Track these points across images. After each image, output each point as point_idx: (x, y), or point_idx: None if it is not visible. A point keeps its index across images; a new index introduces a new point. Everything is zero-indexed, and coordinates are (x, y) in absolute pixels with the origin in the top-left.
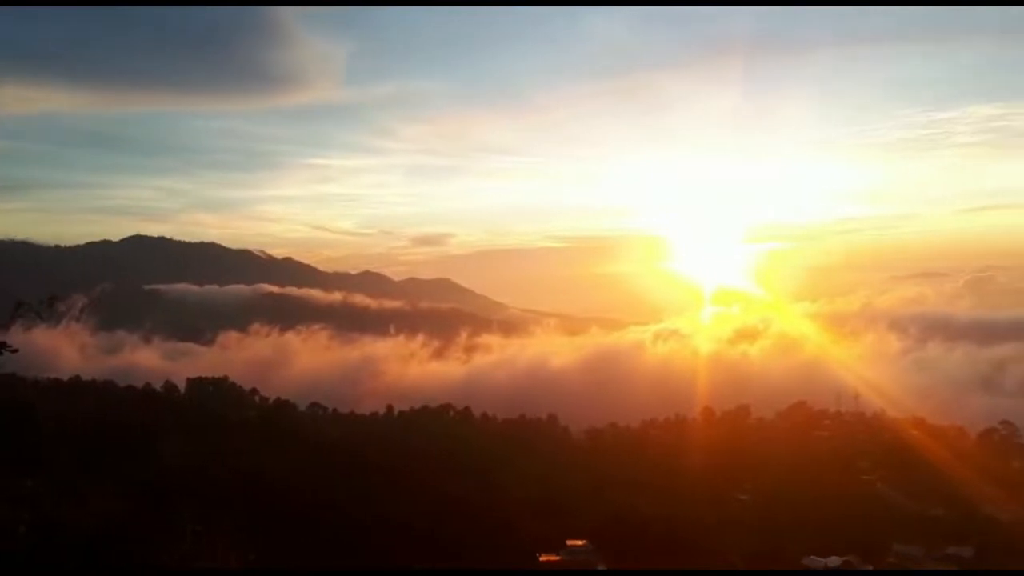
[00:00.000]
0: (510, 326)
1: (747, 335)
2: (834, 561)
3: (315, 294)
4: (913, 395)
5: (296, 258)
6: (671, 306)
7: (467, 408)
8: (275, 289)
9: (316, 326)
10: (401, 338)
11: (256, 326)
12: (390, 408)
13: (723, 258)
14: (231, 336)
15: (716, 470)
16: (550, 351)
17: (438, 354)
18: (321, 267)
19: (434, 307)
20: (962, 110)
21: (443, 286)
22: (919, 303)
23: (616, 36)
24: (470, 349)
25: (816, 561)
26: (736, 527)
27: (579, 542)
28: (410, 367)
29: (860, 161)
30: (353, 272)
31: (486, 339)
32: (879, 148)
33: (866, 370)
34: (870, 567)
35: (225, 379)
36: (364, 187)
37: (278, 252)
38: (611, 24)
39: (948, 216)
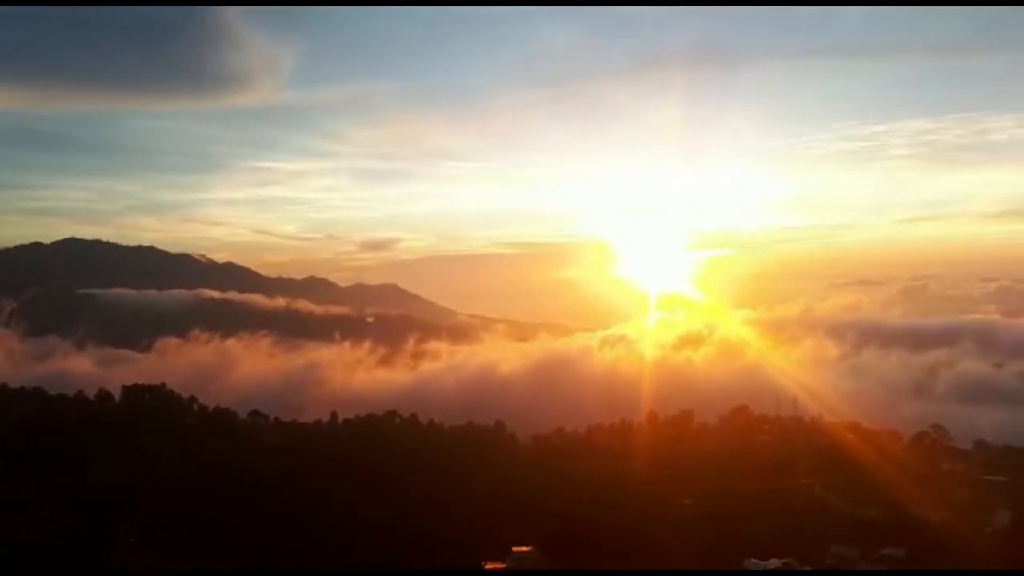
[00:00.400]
0: (458, 332)
1: (691, 341)
2: (774, 563)
3: (258, 299)
4: (849, 400)
5: (238, 263)
6: (618, 312)
7: (414, 415)
8: (216, 294)
9: (258, 332)
10: (347, 345)
11: (196, 332)
12: (334, 416)
13: (668, 265)
14: (169, 342)
15: (661, 474)
16: (499, 357)
17: (385, 361)
18: (264, 272)
19: (381, 313)
20: (896, 124)
21: (390, 292)
22: (855, 310)
23: (565, 45)
24: (418, 356)
25: (756, 563)
26: (680, 530)
27: (525, 548)
28: (356, 374)
29: (800, 172)
30: (298, 277)
31: (434, 345)
32: (818, 159)
33: (805, 375)
34: (808, 568)
35: (162, 386)
36: (310, 191)
37: (219, 256)
38: (561, 33)
39: (883, 226)
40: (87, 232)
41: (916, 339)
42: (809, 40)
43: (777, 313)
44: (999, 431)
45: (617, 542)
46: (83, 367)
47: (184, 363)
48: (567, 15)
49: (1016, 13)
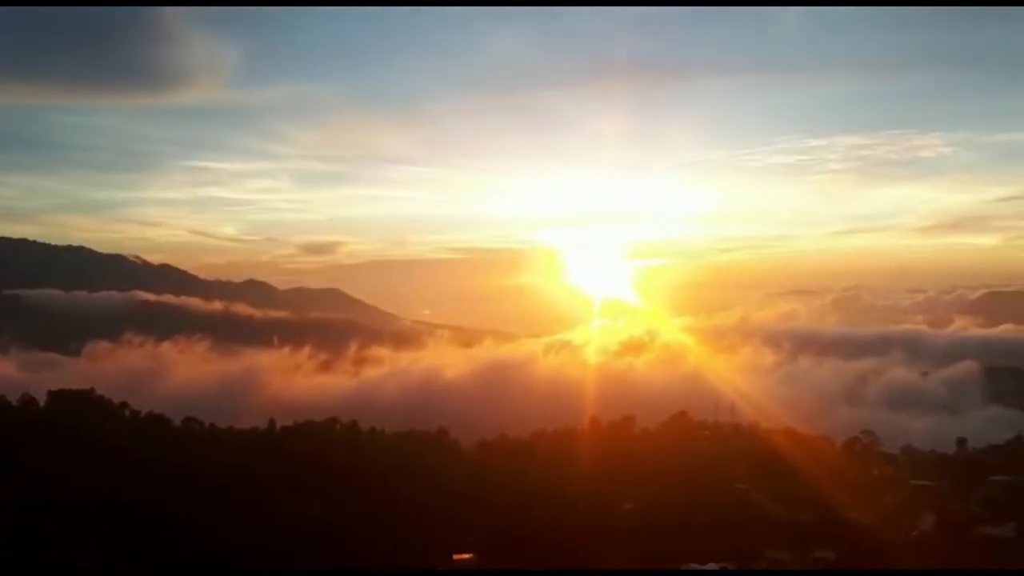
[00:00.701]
0: (402, 338)
1: (633, 348)
2: (711, 567)
3: (194, 302)
4: (785, 406)
5: (174, 264)
6: (563, 319)
7: (355, 422)
8: (150, 297)
9: (194, 336)
10: (286, 350)
11: (129, 335)
12: (272, 423)
13: (611, 273)
14: (101, 346)
15: (602, 479)
16: (443, 363)
17: (325, 367)
18: (201, 274)
19: (322, 318)
20: (832, 139)
21: (332, 296)
22: (791, 319)
23: (511, 52)
24: (359, 362)
25: (694, 568)
26: (620, 535)
27: (465, 556)
28: (295, 380)
29: (740, 184)
30: (236, 280)
31: (377, 351)
32: (758, 172)
33: (742, 382)
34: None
35: (91, 392)
36: (250, 192)
37: (155, 258)
38: (506, 40)
39: (819, 238)
40: (13, 230)
41: (848, 348)
42: (750, 55)
43: (716, 321)
44: (925, 437)
45: (558, 547)
46: (7, 371)
47: (115, 368)
48: (513, 22)
49: (941, 35)
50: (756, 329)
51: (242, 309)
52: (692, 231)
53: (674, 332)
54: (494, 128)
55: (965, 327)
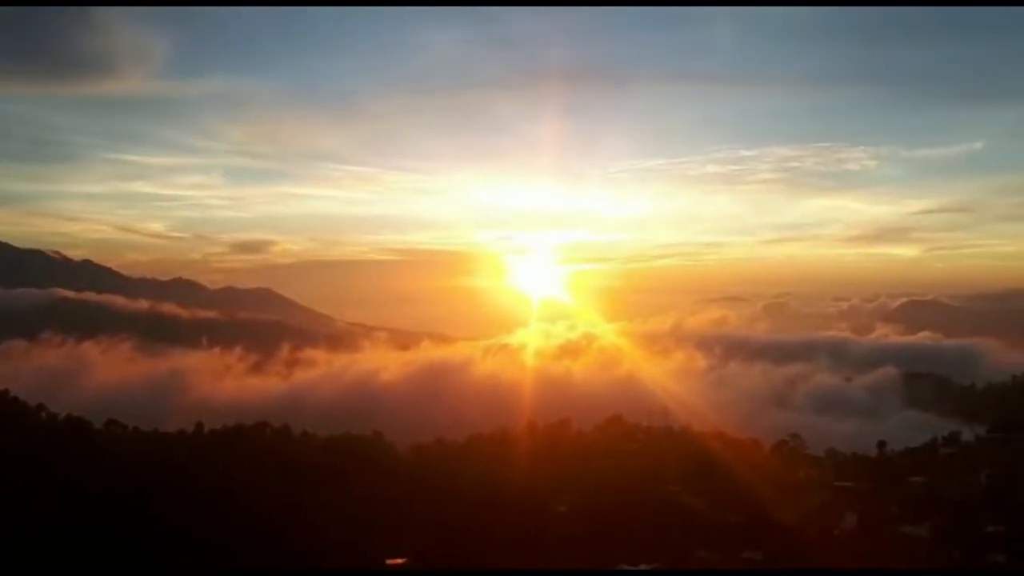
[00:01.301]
0: (336, 340)
1: (570, 351)
2: (643, 568)
3: (118, 301)
4: (716, 409)
5: (97, 261)
6: (500, 322)
7: (286, 425)
8: (71, 294)
9: (118, 336)
10: (216, 351)
11: (47, 334)
12: (199, 426)
13: (549, 276)
14: (17, 345)
15: (537, 482)
16: (378, 366)
17: (256, 369)
18: (126, 272)
19: (253, 318)
20: (764, 150)
21: (264, 296)
22: (723, 325)
23: (448, 52)
24: (292, 364)
25: (626, 569)
26: (554, 538)
27: (399, 560)
28: (224, 382)
29: (674, 191)
30: (163, 278)
31: (310, 353)
32: (692, 180)
33: (675, 385)
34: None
35: (5, 393)
36: (179, 188)
37: (76, 254)
38: (444, 41)
39: (750, 246)
40: None
41: (777, 353)
42: (686, 66)
43: (651, 326)
44: (848, 439)
45: (492, 551)
46: None
47: (32, 368)
48: (452, 23)
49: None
50: (689, 334)
51: (169, 308)
52: (628, 237)
53: (610, 336)
54: (432, 128)
55: (886, 334)
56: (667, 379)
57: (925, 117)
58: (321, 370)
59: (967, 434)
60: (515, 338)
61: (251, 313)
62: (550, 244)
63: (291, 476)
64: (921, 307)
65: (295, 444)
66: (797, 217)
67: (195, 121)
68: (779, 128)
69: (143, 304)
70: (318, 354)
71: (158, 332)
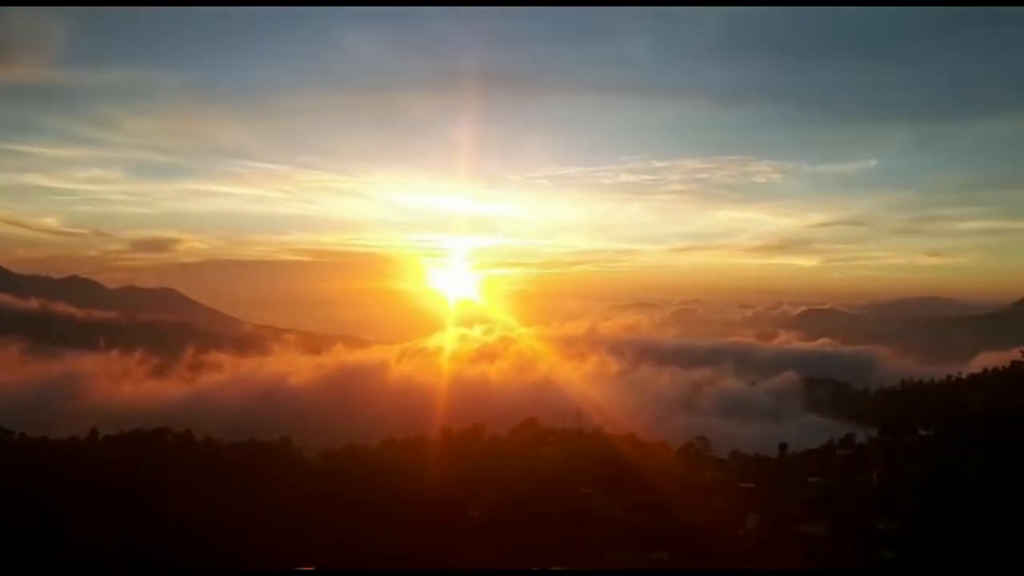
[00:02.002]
0: (244, 343)
1: (486, 355)
2: (553, 570)
3: (6, 299)
4: (627, 412)
5: None
6: (416, 325)
7: (189, 431)
8: None
9: (6, 337)
10: (114, 353)
11: None
12: (94, 432)
13: (465, 280)
14: None
15: (450, 488)
16: (288, 370)
17: (158, 372)
18: (15, 269)
19: (156, 319)
20: (675, 161)
21: (167, 297)
22: (635, 330)
23: (364, 52)
24: (196, 367)
25: (536, 571)
26: (467, 543)
27: (307, 569)
28: (123, 386)
29: (589, 199)
30: (56, 276)
31: (216, 356)
32: (606, 189)
33: (589, 389)
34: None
35: None
36: (76, 181)
37: None
38: (361, 40)
39: (660, 254)
40: None
41: (685, 358)
42: (602, 76)
43: (566, 330)
44: (751, 442)
45: (403, 557)
46: None
47: None
48: (368, 22)
49: (776, 69)
50: (603, 339)
51: (63, 308)
52: (545, 242)
53: (526, 340)
54: (346, 128)
55: (788, 341)
56: (581, 383)
57: (826, 134)
58: (227, 374)
59: (861, 436)
60: (431, 342)
61: (153, 314)
62: (467, 248)
63: (192, 484)
64: (820, 315)
65: (198, 451)
66: (706, 227)
67: (95, 112)
68: (690, 140)
69: (34, 303)
70: (224, 357)
71: (51, 333)
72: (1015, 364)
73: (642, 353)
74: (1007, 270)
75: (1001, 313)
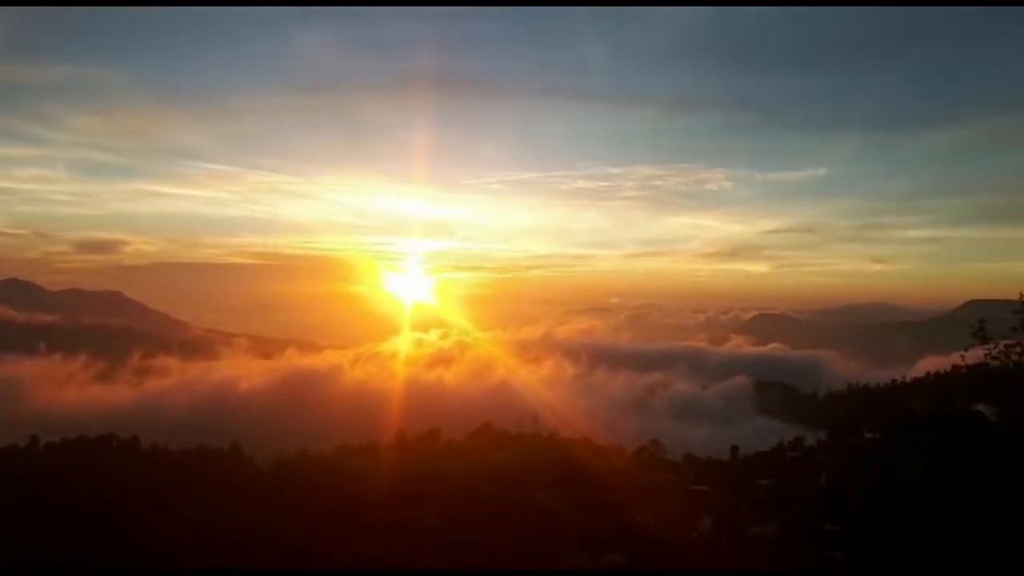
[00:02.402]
0: (193, 347)
1: (442, 360)
2: (514, 570)
3: None
4: (582, 416)
5: None
6: (370, 330)
7: (135, 438)
8: None
9: None
10: (56, 358)
11: None
12: (35, 439)
13: (421, 285)
14: None
15: (405, 493)
16: (238, 374)
17: (103, 377)
18: None
19: (100, 323)
20: (630, 168)
21: (112, 300)
22: (590, 334)
23: (320, 54)
24: (143, 372)
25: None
26: (422, 549)
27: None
28: (66, 392)
29: (545, 204)
30: None
31: (163, 361)
32: (562, 194)
33: (545, 393)
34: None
35: None
36: (16, 180)
37: None
38: (316, 41)
39: (615, 259)
40: None
41: (639, 362)
42: (559, 82)
43: (522, 334)
44: (704, 444)
45: (357, 565)
46: None
47: None
48: (323, 23)
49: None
50: (558, 343)
51: (2, 311)
52: (501, 247)
53: (482, 345)
54: (299, 129)
55: (739, 345)
56: (537, 387)
57: (776, 143)
58: (175, 379)
59: (810, 439)
60: (386, 346)
61: (98, 317)
62: (422, 252)
63: (137, 492)
64: (771, 320)
65: (144, 458)
66: (660, 233)
67: (38, 109)
68: (644, 148)
69: None
70: (172, 362)
71: None
72: (956, 368)
73: (597, 357)
74: (948, 277)
75: (942, 319)
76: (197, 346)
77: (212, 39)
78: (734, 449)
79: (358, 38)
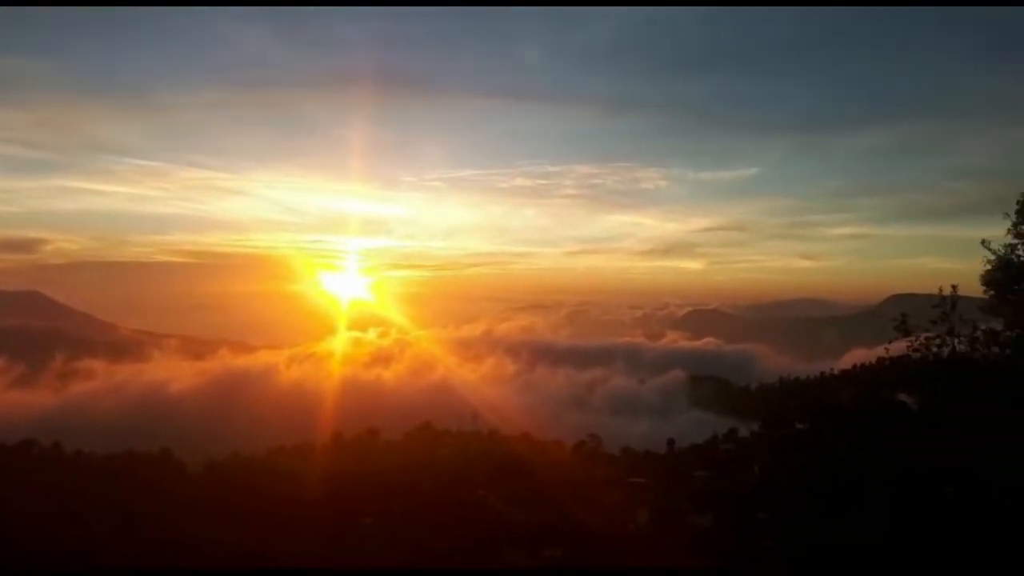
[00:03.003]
0: (120, 349)
1: (381, 359)
2: (452, 569)
3: None
4: (522, 413)
5: None
6: (307, 329)
7: (57, 443)
8: None
9: None
10: None
11: None
12: None
13: (359, 283)
14: None
15: (342, 493)
16: (168, 377)
17: (23, 381)
18: None
19: (19, 325)
20: (569, 167)
21: (32, 300)
22: (530, 331)
23: (255, 50)
24: (66, 375)
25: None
26: (359, 550)
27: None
28: None
29: (485, 202)
30: None
31: (88, 364)
32: (502, 192)
33: (485, 390)
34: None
35: None
36: None
37: None
38: (250, 37)
39: (555, 257)
40: None
41: (579, 358)
42: (498, 81)
43: (462, 332)
44: (641, 438)
45: (293, 568)
46: None
47: None
48: (258, 20)
49: (662, 80)
50: (498, 340)
51: None
52: (440, 245)
53: (422, 343)
54: (232, 125)
55: (675, 340)
56: (477, 384)
57: (710, 143)
58: (101, 382)
59: (743, 430)
60: (322, 346)
61: (17, 319)
62: (359, 249)
63: (60, 501)
64: (704, 316)
65: (67, 464)
66: (598, 231)
67: None
68: (582, 147)
69: None
70: (97, 364)
71: None
72: (880, 360)
73: (537, 354)
74: (874, 273)
75: (868, 313)
76: (124, 348)
77: (141, 31)
78: (670, 442)
79: (295, 34)
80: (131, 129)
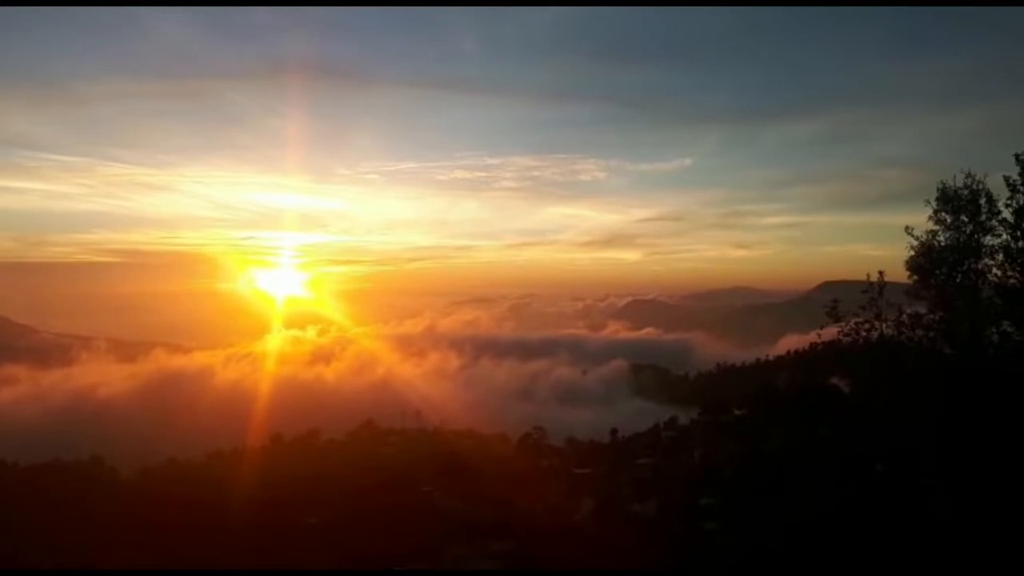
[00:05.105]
0: (41, 353)
1: (321, 357)
2: (396, 571)
3: None
4: (467, 407)
5: None
6: (242, 329)
7: None
8: None
9: None
10: None
11: None
12: None
13: (295, 280)
14: None
15: (284, 497)
16: (96, 381)
17: None
18: None
19: None
20: (507, 159)
21: None
22: (473, 325)
23: (174, 38)
24: None
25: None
26: (304, 552)
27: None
28: None
29: (424, 195)
30: None
31: (7, 370)
32: (441, 185)
33: (429, 387)
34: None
35: None
36: None
37: None
38: (168, 25)
39: (496, 249)
40: None
41: (522, 351)
42: (433, 72)
43: (404, 328)
44: (586, 428)
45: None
46: None
47: None
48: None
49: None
50: (441, 335)
51: None
52: (378, 239)
53: (362, 340)
54: (157, 118)
55: (616, 331)
56: (421, 381)
57: (646, 134)
58: (22, 388)
59: (683, 418)
60: (259, 345)
61: None
62: (295, 245)
63: None
64: (644, 306)
65: None
66: (538, 223)
67: None
68: (521, 138)
69: None
70: (18, 370)
71: None
72: (813, 345)
73: (481, 348)
74: (805, 260)
75: (800, 300)
76: (48, 352)
77: (54, 18)
78: (613, 431)
79: (223, 22)
80: (47, 123)
